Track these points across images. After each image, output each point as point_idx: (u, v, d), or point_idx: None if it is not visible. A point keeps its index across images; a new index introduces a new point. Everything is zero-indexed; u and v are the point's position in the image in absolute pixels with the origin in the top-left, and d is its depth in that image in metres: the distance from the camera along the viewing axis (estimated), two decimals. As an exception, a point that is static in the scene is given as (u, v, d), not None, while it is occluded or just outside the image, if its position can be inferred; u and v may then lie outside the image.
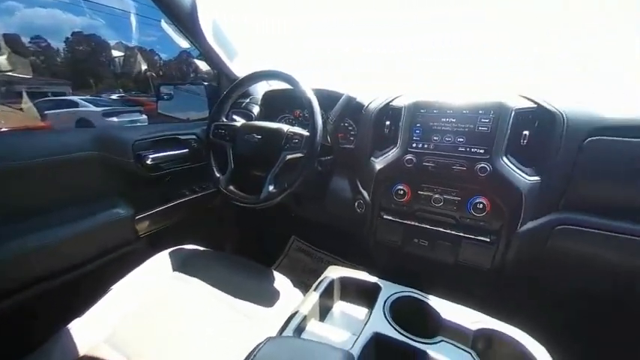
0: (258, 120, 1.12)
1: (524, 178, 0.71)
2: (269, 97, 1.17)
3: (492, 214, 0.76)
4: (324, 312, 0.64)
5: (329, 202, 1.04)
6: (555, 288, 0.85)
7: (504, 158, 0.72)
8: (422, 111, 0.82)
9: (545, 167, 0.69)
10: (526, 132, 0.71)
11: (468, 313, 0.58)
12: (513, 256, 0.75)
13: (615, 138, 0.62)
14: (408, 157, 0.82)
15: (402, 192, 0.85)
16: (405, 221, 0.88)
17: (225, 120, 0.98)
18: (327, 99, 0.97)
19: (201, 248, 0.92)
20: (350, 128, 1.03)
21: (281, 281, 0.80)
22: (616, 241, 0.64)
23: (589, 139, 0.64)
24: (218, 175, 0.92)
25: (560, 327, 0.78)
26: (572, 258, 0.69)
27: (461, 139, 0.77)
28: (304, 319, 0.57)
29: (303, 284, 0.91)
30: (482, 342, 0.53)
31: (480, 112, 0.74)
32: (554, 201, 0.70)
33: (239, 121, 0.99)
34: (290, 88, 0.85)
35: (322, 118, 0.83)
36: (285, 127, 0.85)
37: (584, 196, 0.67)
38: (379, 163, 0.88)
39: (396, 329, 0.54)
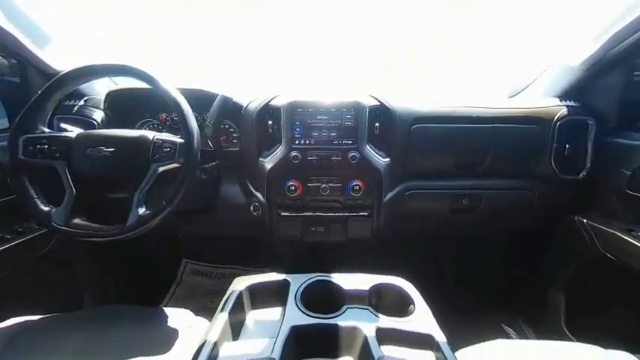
0: (106, 128, 0.88)
1: (380, 160, 0.91)
2: (117, 98, 0.93)
3: (366, 192, 0.93)
4: (237, 329, 0.60)
5: (222, 211, 0.96)
6: (416, 238, 1.15)
7: (367, 146, 0.90)
8: (299, 110, 0.89)
9: (391, 150, 0.91)
10: (377, 124, 0.90)
11: (362, 277, 0.69)
12: (384, 221, 0.96)
13: (429, 125, 0.89)
14: (294, 153, 0.88)
15: (293, 187, 0.90)
16: (302, 214, 0.94)
17: (47, 130, 0.71)
18: (199, 100, 0.86)
19: (41, 316, 0.65)
20: (232, 130, 0.98)
21: (177, 316, 0.68)
22: (435, 195, 0.94)
23: (413, 126, 0.89)
24: (45, 208, 0.67)
25: (426, 268, 1.06)
26: (418, 212, 0.96)
27: (334, 134, 0.90)
28: (215, 346, 0.52)
29: (208, 309, 0.81)
30: (375, 296, 0.65)
31: (344, 109, 0.89)
32: (400, 174, 0.94)
33: (73, 131, 0.74)
34: (147, 87, 0.70)
35: (197, 121, 0.74)
36: (151, 134, 0.70)
37: (418, 167, 0.94)
38: (269, 163, 0.89)
39: (309, 315, 0.57)
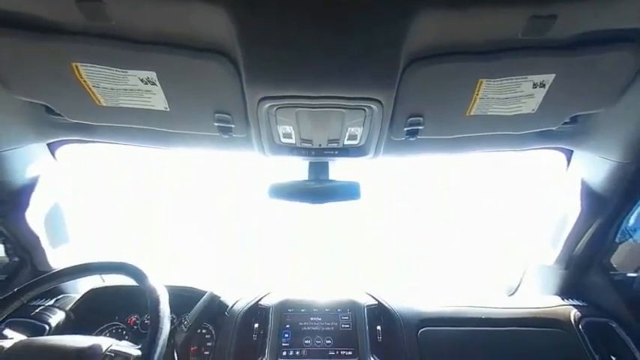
0: (57, 334, 0.73)
1: None
2: (92, 297, 0.85)
3: None
4: None
5: None
6: None
7: (372, 358, 0.72)
8: (290, 310, 0.80)
9: None
10: (379, 327, 0.78)
11: None
12: None
13: (438, 328, 0.78)
14: None
15: None
16: None
17: None
18: (183, 299, 0.79)
19: None
20: (208, 337, 0.82)
21: None
22: None
23: (420, 330, 0.77)
24: None
25: None
26: None
27: (329, 341, 0.75)
28: None
29: None
30: None
31: (339, 310, 0.81)
32: None
33: (13, 338, 0.60)
34: (132, 284, 0.66)
35: (172, 324, 0.63)
36: (106, 344, 0.57)
37: None
38: None
39: None
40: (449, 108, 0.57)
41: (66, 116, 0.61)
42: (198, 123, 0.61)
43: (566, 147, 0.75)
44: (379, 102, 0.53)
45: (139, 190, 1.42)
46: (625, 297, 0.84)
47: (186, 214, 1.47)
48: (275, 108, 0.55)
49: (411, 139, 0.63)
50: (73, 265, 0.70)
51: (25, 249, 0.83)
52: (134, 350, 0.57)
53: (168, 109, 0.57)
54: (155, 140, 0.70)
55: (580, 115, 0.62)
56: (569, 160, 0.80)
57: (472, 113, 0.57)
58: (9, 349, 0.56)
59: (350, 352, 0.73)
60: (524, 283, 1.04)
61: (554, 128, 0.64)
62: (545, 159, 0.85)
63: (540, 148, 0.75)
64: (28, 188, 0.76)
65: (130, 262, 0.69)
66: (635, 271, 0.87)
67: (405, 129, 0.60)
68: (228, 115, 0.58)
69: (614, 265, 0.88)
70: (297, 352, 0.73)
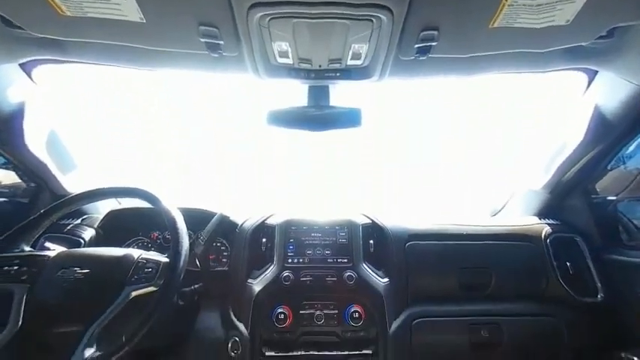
0: (93, 247, 0.84)
1: (379, 280, 0.84)
2: (115, 217, 0.95)
3: (367, 321, 0.80)
4: None
5: (193, 348, 0.79)
6: None
7: (364, 265, 0.85)
8: (293, 228, 0.90)
9: (389, 269, 0.86)
10: (371, 241, 0.89)
11: None
12: None
13: (423, 242, 0.89)
14: (286, 273, 0.82)
15: (282, 315, 0.78)
16: (291, 353, 0.77)
17: (27, 249, 0.68)
18: (196, 219, 0.88)
19: None
20: (223, 248, 0.95)
21: None
22: (448, 324, 0.82)
23: (408, 243, 0.88)
24: None
25: None
26: (432, 348, 0.80)
27: (328, 252, 0.87)
28: None
29: None
30: None
31: (337, 227, 0.90)
32: (404, 297, 0.84)
33: (55, 250, 0.70)
34: (147, 206, 0.73)
35: (190, 238, 0.72)
36: (137, 253, 0.67)
37: (421, 288, 0.86)
38: (257, 285, 0.81)
39: None
40: (470, 19, 0.50)
41: (27, 29, 0.54)
42: (181, 38, 0.54)
43: (593, 67, 0.69)
44: (389, 10, 0.46)
45: (134, 115, 1.38)
46: (596, 217, 0.92)
47: (185, 138, 1.47)
48: (268, 18, 0.48)
49: (422, 57, 0.57)
50: (90, 189, 0.75)
51: (37, 175, 0.87)
52: (162, 258, 0.66)
53: (143, 21, 0.50)
54: (134, 58, 0.63)
55: (618, 28, 0.55)
56: (589, 82, 0.74)
57: (496, 25, 0.50)
58: (54, 257, 0.66)
59: (345, 260, 0.85)
60: (508, 205, 1.13)
61: (585, 44, 0.57)
62: (561, 81, 0.79)
63: (564, 69, 0.69)
64: (18, 115, 0.75)
65: (142, 188, 0.74)
66: (615, 195, 0.93)
67: (416, 46, 0.54)
68: (215, 29, 0.51)
69: (598, 190, 0.94)
70: (301, 260, 0.85)
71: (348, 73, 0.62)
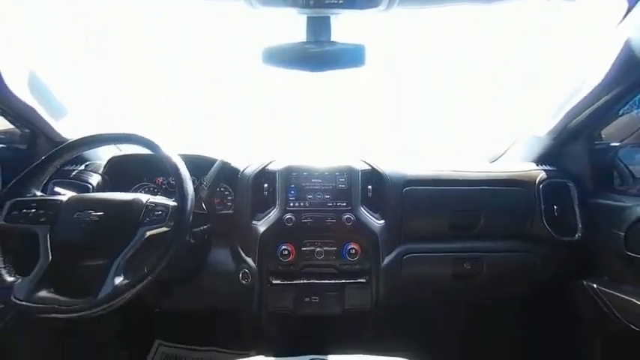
0: (101, 192, 0.88)
1: (375, 222, 0.90)
2: (118, 163, 0.96)
3: (362, 256, 0.89)
4: None
5: (207, 280, 0.89)
6: (418, 311, 1.05)
7: (361, 208, 0.90)
8: (294, 174, 0.92)
9: (385, 212, 0.91)
10: (370, 187, 0.92)
11: (363, 359, 0.60)
12: (383, 289, 0.89)
13: (420, 187, 0.92)
14: (288, 216, 0.87)
15: (286, 252, 0.86)
16: (295, 281, 0.87)
17: (39, 194, 0.71)
18: (197, 165, 0.89)
19: None
20: (227, 193, 0.99)
21: None
22: (435, 259, 0.91)
23: (405, 189, 0.92)
24: (10, 278, 0.61)
25: (430, 345, 0.94)
26: (418, 278, 0.91)
27: (328, 196, 0.91)
28: None
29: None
30: None
31: (337, 173, 0.92)
32: (397, 236, 0.92)
33: (65, 194, 0.73)
34: (148, 153, 0.73)
35: (194, 184, 0.75)
36: (145, 197, 0.70)
37: (413, 229, 0.92)
38: (262, 225, 0.87)
39: None
40: None
41: None
42: None
43: None
44: None
45: (120, 56, 1.27)
46: (593, 163, 0.92)
47: (178, 83, 1.38)
48: None
49: None
50: (88, 135, 0.74)
51: (29, 121, 0.85)
52: (170, 202, 0.69)
53: None
54: None
55: None
56: (628, 10, 0.65)
57: None
58: (67, 201, 0.69)
59: (344, 204, 0.90)
60: (509, 152, 1.13)
61: None
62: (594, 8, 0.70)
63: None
64: None
65: (141, 134, 0.73)
66: (620, 141, 0.92)
67: None
68: None
69: (603, 136, 0.93)
70: (302, 204, 0.90)
71: (351, 1, 0.54)
